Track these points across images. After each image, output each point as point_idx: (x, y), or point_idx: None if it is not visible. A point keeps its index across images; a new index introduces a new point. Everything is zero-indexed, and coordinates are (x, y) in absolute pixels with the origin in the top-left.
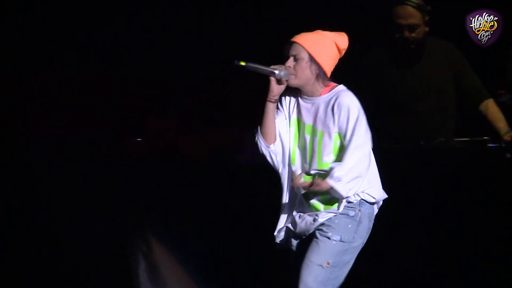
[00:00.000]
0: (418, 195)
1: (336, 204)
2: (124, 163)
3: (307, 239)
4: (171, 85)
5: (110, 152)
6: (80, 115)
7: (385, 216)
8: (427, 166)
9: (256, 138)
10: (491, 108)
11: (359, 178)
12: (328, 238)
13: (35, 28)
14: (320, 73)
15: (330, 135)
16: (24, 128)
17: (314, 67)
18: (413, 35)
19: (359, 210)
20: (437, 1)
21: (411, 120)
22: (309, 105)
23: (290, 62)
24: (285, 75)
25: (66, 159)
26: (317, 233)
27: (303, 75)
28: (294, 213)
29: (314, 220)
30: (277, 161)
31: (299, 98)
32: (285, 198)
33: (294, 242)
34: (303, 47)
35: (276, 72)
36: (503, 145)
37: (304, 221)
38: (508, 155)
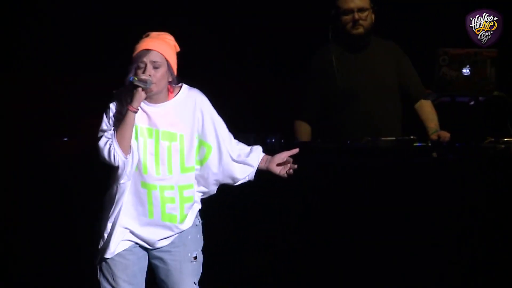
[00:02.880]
0: (342, 195)
1: (187, 216)
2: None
3: (149, 256)
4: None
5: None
6: None
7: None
8: (353, 166)
9: (112, 150)
10: (425, 108)
11: None
12: (187, 260)
13: None
14: (173, 80)
15: (192, 137)
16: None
17: (168, 74)
18: (362, 17)
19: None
20: (437, 1)
21: (356, 118)
22: (159, 110)
23: (151, 70)
24: (150, 83)
25: None
26: (171, 257)
27: (163, 82)
28: (133, 223)
29: (169, 235)
30: (127, 171)
31: (142, 105)
32: (118, 210)
33: (131, 255)
34: (162, 55)
35: (148, 81)
36: (429, 144)
37: (153, 233)
38: (434, 155)
